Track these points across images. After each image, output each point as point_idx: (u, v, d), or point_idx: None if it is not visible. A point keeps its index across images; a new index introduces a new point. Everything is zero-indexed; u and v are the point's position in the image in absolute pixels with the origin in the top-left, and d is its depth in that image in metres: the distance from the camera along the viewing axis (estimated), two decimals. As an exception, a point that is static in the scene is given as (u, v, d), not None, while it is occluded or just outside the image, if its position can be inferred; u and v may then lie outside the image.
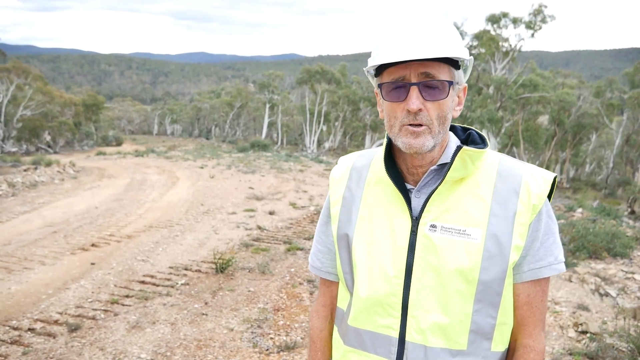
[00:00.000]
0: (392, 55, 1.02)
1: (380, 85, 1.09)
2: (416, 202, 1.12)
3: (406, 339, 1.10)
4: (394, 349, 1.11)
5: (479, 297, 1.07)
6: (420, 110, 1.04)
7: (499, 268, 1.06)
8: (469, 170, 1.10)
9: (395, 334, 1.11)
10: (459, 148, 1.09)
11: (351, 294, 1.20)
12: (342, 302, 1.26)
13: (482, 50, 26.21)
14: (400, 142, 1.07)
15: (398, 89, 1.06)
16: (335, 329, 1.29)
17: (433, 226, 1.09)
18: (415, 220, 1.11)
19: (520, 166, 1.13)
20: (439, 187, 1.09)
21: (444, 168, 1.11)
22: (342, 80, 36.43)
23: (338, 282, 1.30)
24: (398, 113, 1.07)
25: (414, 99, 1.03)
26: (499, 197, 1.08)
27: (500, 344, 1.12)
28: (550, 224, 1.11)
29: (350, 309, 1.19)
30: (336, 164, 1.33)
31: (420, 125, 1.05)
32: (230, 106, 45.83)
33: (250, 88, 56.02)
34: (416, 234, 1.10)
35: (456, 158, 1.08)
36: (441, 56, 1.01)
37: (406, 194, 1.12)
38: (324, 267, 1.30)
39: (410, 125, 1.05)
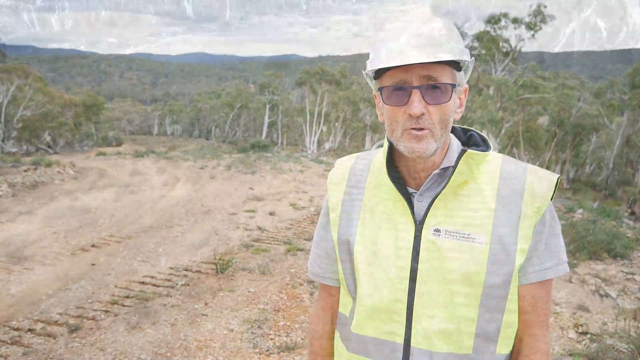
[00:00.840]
0: (393, 59, 0.99)
1: (380, 89, 1.07)
2: (419, 206, 1.10)
3: (411, 344, 1.08)
4: (399, 355, 1.10)
5: (484, 302, 1.06)
6: (422, 114, 1.01)
7: (504, 272, 1.05)
8: (473, 174, 1.08)
9: (401, 340, 1.09)
10: (463, 151, 1.07)
11: (354, 299, 1.18)
12: (344, 308, 1.24)
13: (483, 52, 26.20)
14: (402, 147, 1.05)
15: (399, 93, 1.02)
16: (337, 334, 1.27)
17: (437, 230, 1.07)
18: (419, 225, 1.09)
19: (523, 168, 1.11)
20: (443, 191, 1.07)
21: (447, 171, 1.09)
22: (342, 81, 36.41)
23: (338, 286, 1.27)
24: (399, 117, 1.04)
25: (416, 103, 1.00)
26: (503, 200, 1.07)
27: (504, 346, 1.11)
28: (554, 226, 1.10)
29: (353, 315, 1.17)
30: (334, 166, 1.29)
31: (423, 129, 1.02)
32: (230, 107, 45.76)
33: (250, 89, 55.91)
34: (420, 239, 1.08)
35: (460, 162, 1.06)
36: (445, 59, 0.99)
37: (408, 198, 1.10)
38: (324, 272, 1.27)
39: (412, 129, 1.02)
